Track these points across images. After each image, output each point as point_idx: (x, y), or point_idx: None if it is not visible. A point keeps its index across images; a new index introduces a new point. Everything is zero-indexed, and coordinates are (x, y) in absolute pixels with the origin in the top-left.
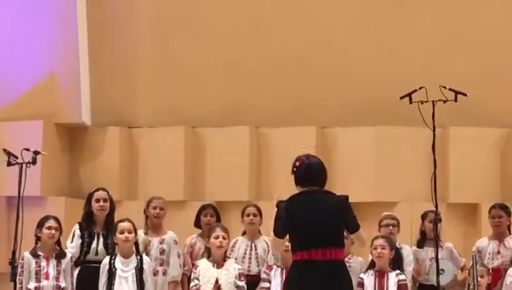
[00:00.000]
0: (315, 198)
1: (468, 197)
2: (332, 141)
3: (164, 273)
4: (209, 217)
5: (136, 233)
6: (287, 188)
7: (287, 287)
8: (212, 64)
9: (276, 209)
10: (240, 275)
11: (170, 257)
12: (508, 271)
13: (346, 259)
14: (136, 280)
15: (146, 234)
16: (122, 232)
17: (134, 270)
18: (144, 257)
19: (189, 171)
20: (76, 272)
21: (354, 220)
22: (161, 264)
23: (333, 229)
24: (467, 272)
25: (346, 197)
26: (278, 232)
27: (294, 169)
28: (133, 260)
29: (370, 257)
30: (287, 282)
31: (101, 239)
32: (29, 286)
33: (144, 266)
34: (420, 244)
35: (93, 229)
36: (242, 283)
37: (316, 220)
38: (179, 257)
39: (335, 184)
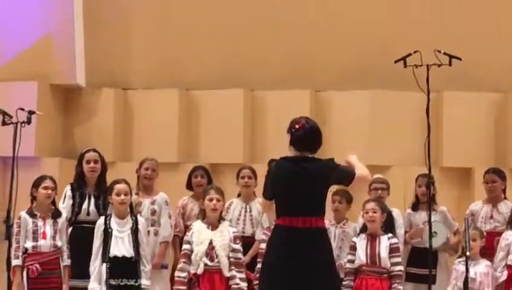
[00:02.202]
0: (303, 166)
1: (462, 161)
2: (326, 104)
3: (155, 234)
4: (200, 178)
5: (131, 194)
6: (280, 150)
7: (268, 250)
8: (208, 26)
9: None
10: (235, 238)
11: (161, 218)
12: (503, 234)
13: (340, 224)
14: (132, 240)
15: (137, 194)
16: (118, 194)
17: (129, 231)
18: (139, 217)
19: (183, 133)
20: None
21: (344, 173)
22: (152, 225)
23: (316, 198)
24: (461, 235)
25: (331, 160)
26: (266, 196)
27: (293, 130)
28: (129, 221)
29: (361, 220)
30: (268, 246)
31: (93, 200)
32: (26, 245)
33: (139, 226)
34: (414, 207)
35: (84, 190)
36: (237, 246)
37: (300, 188)
38: (170, 217)
39: (329, 148)
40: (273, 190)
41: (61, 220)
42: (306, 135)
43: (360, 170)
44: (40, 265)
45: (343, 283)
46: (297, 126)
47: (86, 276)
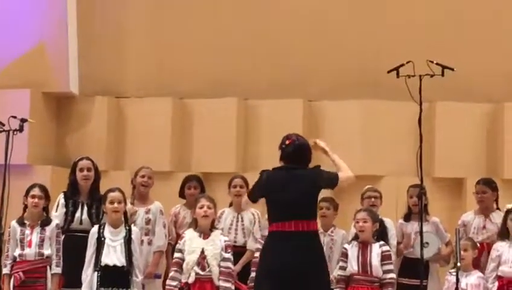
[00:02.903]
0: (294, 173)
1: (454, 172)
2: (319, 114)
3: (149, 243)
4: (193, 190)
5: (125, 203)
6: (273, 159)
7: (262, 256)
8: (202, 35)
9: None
10: (226, 247)
11: (156, 227)
12: (494, 245)
13: (329, 232)
14: (125, 249)
15: (132, 203)
16: (112, 203)
17: (122, 240)
18: (133, 227)
19: (176, 142)
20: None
21: (330, 175)
22: (146, 234)
23: (308, 202)
24: (453, 246)
25: (319, 167)
26: (251, 196)
27: (283, 146)
28: (122, 230)
29: (353, 230)
30: (262, 252)
31: (85, 208)
32: (15, 254)
33: (132, 236)
34: (406, 218)
35: (77, 199)
36: (228, 255)
37: (292, 195)
38: (164, 227)
39: (322, 157)
40: (260, 195)
41: (50, 228)
42: (296, 151)
43: (344, 170)
44: (24, 273)
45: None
46: (287, 142)
47: (78, 285)
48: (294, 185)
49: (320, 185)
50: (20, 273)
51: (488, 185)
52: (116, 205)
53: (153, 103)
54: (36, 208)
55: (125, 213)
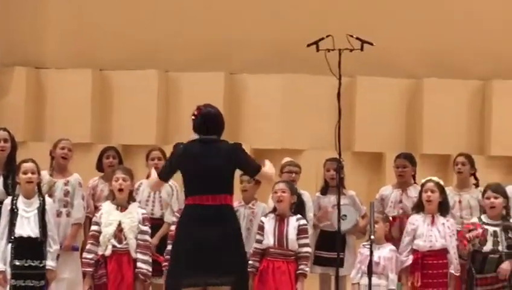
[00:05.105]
0: (209, 146)
1: (374, 146)
2: (240, 87)
3: (68, 215)
4: (112, 159)
5: (39, 174)
6: (193, 133)
7: (178, 229)
8: (123, 6)
9: (172, 151)
10: (144, 220)
11: (74, 199)
12: (409, 219)
13: (250, 205)
14: (38, 220)
15: (51, 175)
16: (25, 173)
17: (36, 211)
18: (47, 198)
19: (96, 114)
20: None
21: (251, 163)
22: (65, 206)
23: (224, 177)
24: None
25: (239, 145)
26: (163, 177)
27: (193, 117)
28: (36, 201)
29: (271, 203)
30: (179, 225)
31: (1, 179)
32: None
33: (46, 207)
34: (323, 191)
35: None
36: (146, 228)
37: (208, 168)
38: (83, 199)
39: (243, 130)
40: (173, 171)
41: None
42: (204, 119)
43: (269, 168)
44: None
45: (249, 262)
46: (196, 112)
47: None
48: (211, 159)
49: (235, 163)
50: None
51: (408, 159)
52: (30, 175)
53: (73, 74)
54: None
55: (38, 184)
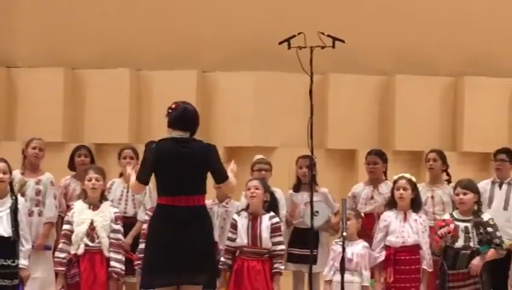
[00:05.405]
0: (183, 146)
1: (347, 143)
2: (212, 85)
3: (40, 214)
4: (83, 158)
5: (11, 173)
6: (165, 131)
7: (150, 229)
8: (94, 5)
9: (144, 149)
10: (116, 219)
11: (46, 198)
12: (382, 215)
13: (223, 203)
14: (11, 220)
15: (23, 174)
16: None
17: (8, 210)
18: (19, 197)
19: (68, 112)
20: None
21: (221, 171)
22: (37, 205)
23: (197, 177)
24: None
25: (214, 147)
26: (141, 181)
27: (169, 111)
28: (8, 201)
29: (244, 200)
30: (151, 224)
31: None
32: None
33: (18, 206)
34: (296, 188)
35: None
36: (118, 227)
37: (181, 169)
38: (55, 198)
39: (215, 128)
40: (150, 172)
41: None
42: (181, 115)
43: (233, 180)
44: None
45: (221, 260)
46: (173, 106)
47: None
48: (184, 160)
49: (209, 165)
50: None
51: (379, 156)
52: (1, 175)
53: (45, 73)
54: None
55: (10, 183)
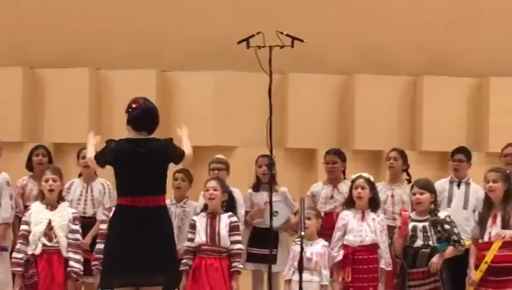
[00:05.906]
0: (143, 146)
1: (306, 143)
2: (172, 84)
3: None
4: (41, 157)
5: None
6: (126, 131)
7: (110, 230)
8: (54, 4)
9: (105, 144)
10: (74, 219)
11: (2, 199)
12: (340, 215)
13: (181, 203)
14: None
15: None
16: None
17: None
18: None
19: (27, 112)
20: None
21: (178, 152)
22: None
23: (158, 177)
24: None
25: (170, 141)
26: (100, 160)
27: (130, 110)
28: None
29: (202, 200)
30: (111, 225)
31: None
32: None
33: None
34: (255, 188)
35: None
36: (76, 227)
37: (142, 169)
38: (11, 198)
39: (175, 127)
40: (108, 163)
41: None
42: (143, 114)
43: (187, 148)
44: None
45: (182, 261)
46: (134, 105)
47: None
48: (144, 161)
49: (169, 159)
50: None
51: (337, 155)
52: None
53: (4, 72)
54: None
55: None
